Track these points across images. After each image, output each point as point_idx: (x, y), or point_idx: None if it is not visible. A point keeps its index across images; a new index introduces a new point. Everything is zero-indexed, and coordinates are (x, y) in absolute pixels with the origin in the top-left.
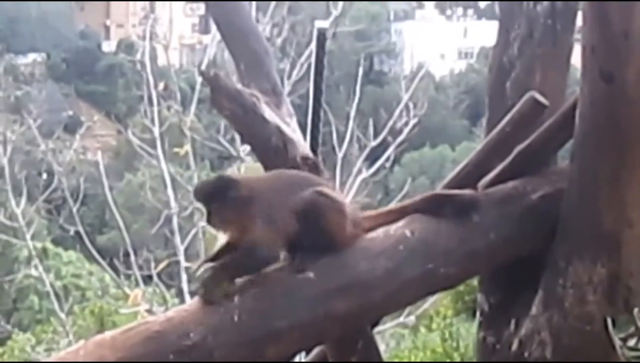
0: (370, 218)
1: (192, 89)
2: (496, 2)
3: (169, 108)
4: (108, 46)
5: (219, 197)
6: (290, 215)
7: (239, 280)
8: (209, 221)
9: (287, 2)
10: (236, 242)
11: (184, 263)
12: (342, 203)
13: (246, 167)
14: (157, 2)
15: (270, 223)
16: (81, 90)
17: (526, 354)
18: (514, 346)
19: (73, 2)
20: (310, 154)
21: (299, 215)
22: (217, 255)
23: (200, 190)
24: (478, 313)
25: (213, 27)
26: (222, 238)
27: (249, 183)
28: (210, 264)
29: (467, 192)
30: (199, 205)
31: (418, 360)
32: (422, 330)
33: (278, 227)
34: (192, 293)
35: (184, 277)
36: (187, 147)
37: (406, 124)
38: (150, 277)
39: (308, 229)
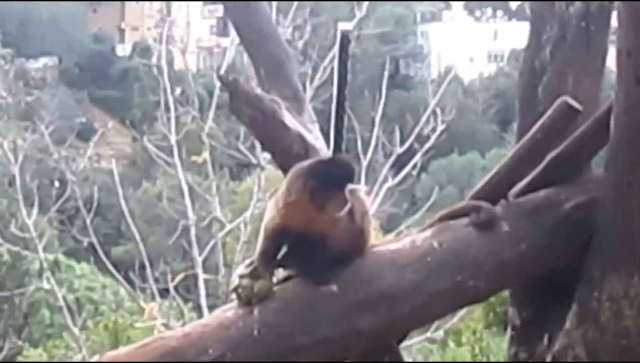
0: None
1: (210, 94)
2: (527, 3)
3: (186, 114)
4: (122, 50)
5: None
6: None
7: None
8: None
9: (309, 3)
10: None
11: (202, 276)
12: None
13: (266, 175)
14: (174, 4)
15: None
16: (94, 95)
17: None
18: (547, 362)
19: (86, 4)
20: None
21: None
22: None
23: None
24: (509, 328)
25: (232, 30)
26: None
27: None
28: None
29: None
30: (218, 215)
31: None
32: (451, 344)
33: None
34: (210, 308)
35: (202, 290)
36: (206, 155)
37: (434, 130)
38: (167, 290)
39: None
